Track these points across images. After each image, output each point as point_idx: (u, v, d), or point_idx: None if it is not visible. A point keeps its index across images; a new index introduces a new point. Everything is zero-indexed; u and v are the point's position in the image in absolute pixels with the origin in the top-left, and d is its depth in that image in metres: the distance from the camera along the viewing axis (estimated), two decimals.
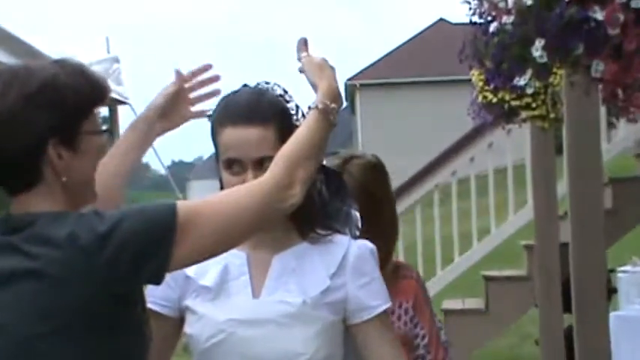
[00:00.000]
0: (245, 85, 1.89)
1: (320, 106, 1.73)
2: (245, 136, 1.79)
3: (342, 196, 1.95)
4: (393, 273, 2.37)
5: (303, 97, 1.89)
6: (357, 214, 1.96)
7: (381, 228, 2.34)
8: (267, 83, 1.89)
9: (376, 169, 2.44)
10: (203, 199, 1.64)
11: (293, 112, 1.87)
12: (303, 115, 1.87)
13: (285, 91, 1.89)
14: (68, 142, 1.60)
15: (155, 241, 1.53)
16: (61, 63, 1.63)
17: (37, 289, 1.51)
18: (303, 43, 1.84)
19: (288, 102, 1.87)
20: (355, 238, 1.93)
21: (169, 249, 1.54)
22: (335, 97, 1.76)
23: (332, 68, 1.82)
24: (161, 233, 1.54)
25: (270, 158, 1.79)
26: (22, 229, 1.56)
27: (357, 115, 33.74)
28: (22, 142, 1.57)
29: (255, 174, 1.79)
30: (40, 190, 1.61)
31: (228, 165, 1.82)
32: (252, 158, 1.79)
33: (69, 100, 1.59)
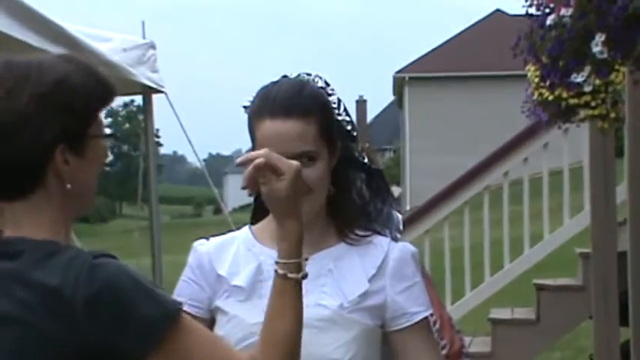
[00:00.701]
0: (285, 76, 1.88)
1: (280, 272, 1.62)
2: (284, 130, 1.78)
3: (383, 195, 1.95)
4: None
5: (345, 91, 1.88)
6: (399, 216, 1.96)
7: None
8: (308, 75, 1.89)
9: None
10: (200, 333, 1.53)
11: (335, 105, 1.86)
12: (345, 109, 1.87)
13: (327, 84, 1.88)
14: (76, 147, 1.53)
15: (138, 334, 1.44)
16: (71, 60, 1.57)
17: (17, 336, 1.45)
18: (263, 166, 1.59)
19: (330, 95, 1.87)
20: (396, 240, 1.93)
21: (149, 346, 1.45)
22: (298, 250, 1.63)
23: (297, 209, 1.62)
24: (149, 327, 1.45)
25: (310, 153, 1.79)
26: (9, 258, 1.48)
27: (404, 110, 33.68)
28: (31, 145, 1.50)
29: None
30: (36, 198, 1.53)
31: None
32: (291, 153, 1.76)
33: (80, 102, 1.53)
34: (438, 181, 7.77)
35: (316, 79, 1.88)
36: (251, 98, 1.87)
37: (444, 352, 2.34)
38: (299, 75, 1.89)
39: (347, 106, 1.91)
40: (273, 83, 1.85)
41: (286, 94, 1.80)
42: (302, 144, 1.78)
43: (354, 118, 1.98)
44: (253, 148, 1.85)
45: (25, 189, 1.52)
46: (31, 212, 1.53)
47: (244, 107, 1.87)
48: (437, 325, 2.35)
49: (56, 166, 1.51)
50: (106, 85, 1.60)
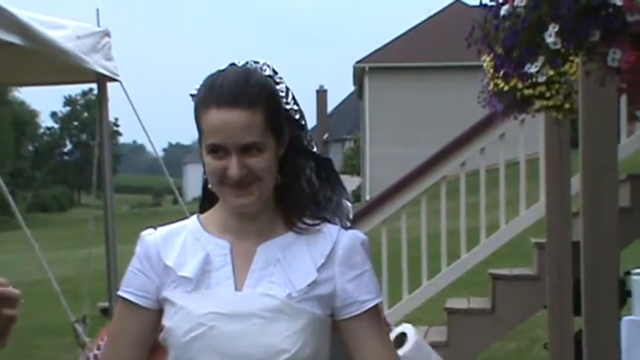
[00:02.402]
0: (232, 64, 1.86)
1: None
2: (230, 120, 1.76)
3: (333, 184, 1.93)
4: None
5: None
6: (349, 204, 1.95)
7: None
8: (255, 62, 1.87)
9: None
10: None
11: (283, 94, 1.84)
12: (294, 98, 1.86)
13: (275, 72, 1.86)
14: None
15: None
16: None
17: None
18: None
19: (278, 83, 1.85)
20: (346, 228, 1.92)
21: None
22: None
23: None
24: None
25: (257, 144, 1.77)
26: None
27: (365, 100, 33.71)
28: None
29: (239, 160, 1.77)
30: None
31: (212, 149, 1.79)
32: (237, 144, 1.76)
33: None
34: (398, 171, 7.79)
35: (264, 67, 1.86)
36: (198, 87, 1.85)
37: None
38: (247, 63, 1.86)
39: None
40: (220, 72, 1.83)
41: (233, 83, 1.78)
42: (249, 134, 1.77)
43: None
44: (200, 138, 1.84)
45: None
46: None
47: (191, 95, 1.85)
48: None
49: None
50: None
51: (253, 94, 1.78)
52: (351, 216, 1.95)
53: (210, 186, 1.85)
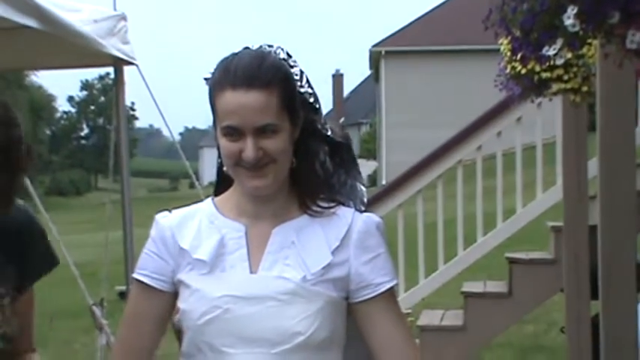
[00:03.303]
0: (246, 48, 1.85)
1: None
2: (246, 102, 1.75)
3: (348, 167, 1.93)
4: None
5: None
6: (364, 188, 1.95)
7: None
8: (269, 46, 1.86)
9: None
10: None
11: (297, 77, 1.84)
12: (308, 81, 1.85)
13: (289, 55, 1.86)
14: None
15: None
16: None
17: None
18: None
19: (292, 67, 1.84)
20: (360, 211, 1.92)
21: None
22: None
23: None
24: None
25: (272, 125, 1.77)
26: None
27: (381, 84, 33.64)
28: None
29: (255, 142, 1.77)
30: None
31: (227, 131, 1.79)
32: (252, 125, 1.76)
33: None
34: (414, 155, 7.78)
35: (278, 51, 1.86)
36: (212, 71, 1.84)
37: None
38: (260, 47, 1.86)
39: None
40: (234, 55, 1.82)
41: (247, 65, 1.77)
42: (264, 116, 1.76)
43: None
44: (214, 121, 1.83)
45: None
46: None
47: (205, 79, 1.85)
48: None
49: None
50: None
51: (268, 75, 1.77)
52: (365, 200, 1.95)
53: (225, 169, 1.84)
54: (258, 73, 1.76)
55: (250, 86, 1.75)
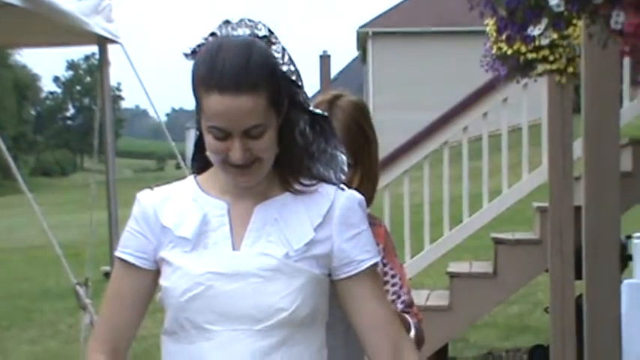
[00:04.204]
0: (227, 22, 1.83)
1: None
2: (234, 107, 1.73)
3: (328, 136, 1.93)
4: None
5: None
6: (344, 157, 1.94)
7: (368, 168, 2.37)
8: (250, 21, 1.83)
9: (365, 108, 2.44)
10: None
11: (279, 55, 1.82)
12: (290, 58, 1.84)
13: (271, 32, 1.83)
14: None
15: None
16: None
17: None
18: None
19: (273, 43, 1.82)
20: (341, 182, 1.92)
21: None
22: None
23: None
24: None
25: (260, 126, 1.76)
26: None
27: (368, 65, 33.59)
28: None
29: (242, 143, 1.76)
30: None
31: (214, 131, 1.77)
32: (240, 128, 1.75)
33: None
34: (401, 136, 7.78)
35: (259, 27, 1.83)
36: (193, 45, 1.82)
37: (401, 305, 2.35)
38: (241, 21, 1.83)
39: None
40: (218, 47, 1.77)
41: (234, 65, 1.73)
42: (252, 118, 1.75)
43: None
44: (197, 109, 1.81)
45: None
46: None
47: (186, 55, 1.83)
48: (395, 279, 2.36)
49: None
50: None
51: (255, 77, 1.74)
52: (345, 168, 1.94)
53: (207, 154, 1.83)
54: (245, 74, 1.73)
55: (238, 90, 1.73)
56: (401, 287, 2.37)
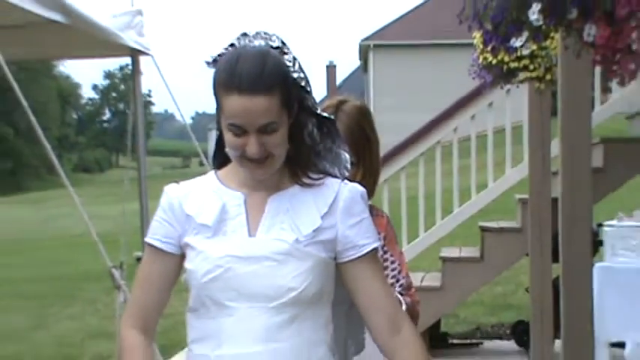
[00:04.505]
0: (244, 34, 1.83)
1: None
2: (251, 106, 1.74)
3: (333, 137, 1.93)
4: None
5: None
6: (347, 155, 1.94)
7: (370, 164, 2.37)
8: (266, 34, 1.83)
9: (367, 111, 2.44)
10: None
11: (290, 63, 1.82)
12: (300, 66, 1.84)
13: (284, 43, 1.83)
14: None
15: None
16: None
17: None
18: None
19: (285, 53, 1.82)
20: (345, 177, 1.91)
21: None
22: None
23: None
24: None
25: (273, 124, 1.76)
26: None
27: (369, 74, 33.53)
28: None
29: (257, 139, 1.76)
30: None
31: (233, 128, 1.77)
32: (255, 125, 1.75)
33: None
34: (398, 136, 7.76)
35: (273, 39, 1.83)
36: (214, 54, 1.82)
37: (399, 288, 2.35)
38: (257, 34, 1.83)
39: (313, 70, 1.87)
40: (237, 55, 1.78)
41: (251, 70, 1.74)
42: (266, 117, 1.75)
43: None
44: (218, 111, 1.81)
45: None
46: None
47: (208, 63, 1.83)
48: (395, 264, 2.36)
49: None
50: None
51: (270, 79, 1.75)
52: (348, 165, 1.94)
53: (226, 150, 1.83)
54: (261, 78, 1.74)
55: (254, 92, 1.73)
56: (399, 272, 2.36)
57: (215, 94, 1.80)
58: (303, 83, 1.84)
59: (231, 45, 1.82)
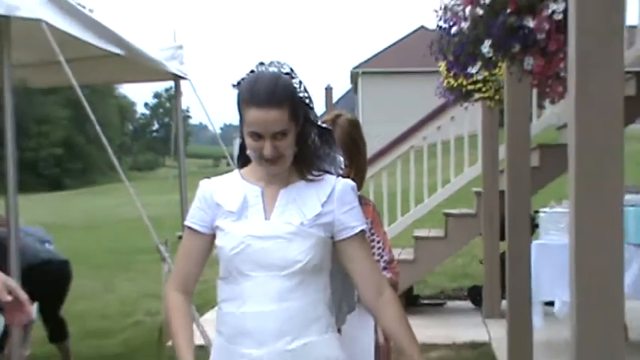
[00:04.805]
0: (261, 63, 1.82)
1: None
2: (266, 117, 1.73)
3: (330, 144, 1.92)
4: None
5: (315, 81, 1.82)
6: (341, 158, 1.94)
7: (359, 165, 2.36)
8: (278, 63, 1.83)
9: (358, 123, 2.43)
10: None
11: (297, 85, 1.81)
12: (305, 88, 1.83)
13: (292, 69, 1.82)
14: None
15: None
16: None
17: None
18: None
19: (293, 78, 1.81)
20: (339, 175, 1.90)
21: None
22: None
23: None
24: None
25: (284, 131, 1.76)
26: None
27: (358, 95, 33.53)
28: None
29: (271, 143, 1.76)
30: None
31: (252, 134, 1.77)
32: (270, 132, 1.75)
33: None
34: (383, 143, 7.77)
35: (284, 66, 1.82)
36: (238, 78, 1.81)
37: (383, 263, 2.34)
38: (271, 63, 1.82)
39: (314, 91, 1.87)
40: (257, 76, 1.78)
41: (266, 90, 1.74)
42: (278, 125, 1.75)
43: (322, 100, 1.94)
44: (241, 123, 1.81)
45: None
46: None
47: (233, 85, 1.82)
48: (380, 244, 2.35)
49: None
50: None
51: (281, 97, 1.74)
52: (342, 166, 1.93)
53: (248, 152, 1.83)
54: (274, 96, 1.74)
55: (269, 106, 1.73)
56: (383, 249, 2.35)
57: (239, 108, 1.79)
58: (307, 101, 1.84)
59: (252, 71, 1.81)
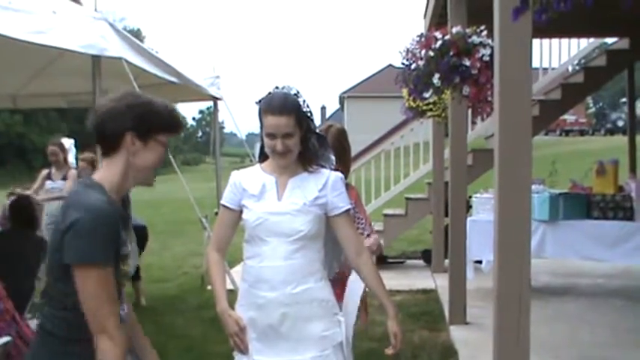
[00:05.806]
0: (277, 87, 1.83)
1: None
2: (279, 122, 1.75)
3: (324, 146, 1.93)
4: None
5: (312, 101, 1.81)
6: (332, 157, 1.94)
7: (345, 161, 2.34)
8: (290, 87, 1.83)
9: (345, 132, 2.43)
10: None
11: (302, 102, 1.81)
12: (308, 105, 1.84)
13: (298, 91, 1.83)
14: (141, 138, 1.37)
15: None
16: (163, 100, 1.42)
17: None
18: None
19: (299, 97, 1.82)
20: (331, 169, 1.91)
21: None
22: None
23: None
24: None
25: (291, 132, 1.77)
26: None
27: (344, 113, 33.48)
28: (115, 126, 1.36)
29: (282, 141, 1.77)
30: (114, 158, 1.39)
31: (268, 135, 1.79)
32: (281, 133, 1.77)
33: (150, 116, 1.38)
34: (362, 147, 7.78)
35: (293, 89, 1.83)
36: (260, 97, 1.82)
37: (367, 238, 2.32)
38: (284, 87, 1.83)
39: (313, 109, 1.87)
40: (272, 95, 1.79)
41: (279, 103, 1.76)
42: (287, 128, 1.76)
43: (319, 116, 1.93)
44: (261, 129, 1.82)
45: (110, 150, 1.39)
46: (106, 166, 1.40)
47: (256, 102, 1.83)
48: (363, 221, 2.34)
49: (127, 144, 1.37)
50: (173, 119, 1.39)
51: (290, 108, 1.76)
52: (333, 163, 1.93)
53: (265, 150, 1.84)
54: (285, 107, 1.75)
55: (281, 114, 1.75)
56: (364, 226, 2.35)
57: (259, 117, 1.80)
58: (308, 114, 1.84)
59: (269, 93, 1.82)
